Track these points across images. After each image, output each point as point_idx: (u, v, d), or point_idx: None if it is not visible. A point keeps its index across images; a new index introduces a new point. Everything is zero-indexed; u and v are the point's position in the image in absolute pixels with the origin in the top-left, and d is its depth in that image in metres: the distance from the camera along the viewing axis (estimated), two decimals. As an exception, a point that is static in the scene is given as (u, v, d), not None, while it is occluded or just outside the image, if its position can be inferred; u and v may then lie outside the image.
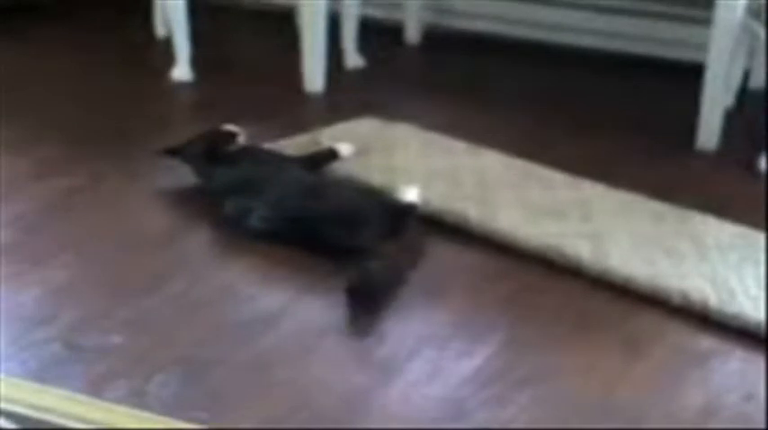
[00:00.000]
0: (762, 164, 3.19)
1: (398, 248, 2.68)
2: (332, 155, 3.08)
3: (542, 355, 2.34)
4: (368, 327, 2.42)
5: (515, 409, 2.13)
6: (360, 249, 2.62)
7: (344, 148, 3.11)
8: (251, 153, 2.99)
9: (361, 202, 2.78)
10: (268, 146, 3.09)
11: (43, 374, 2.18)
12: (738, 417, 2.14)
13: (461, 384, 2.21)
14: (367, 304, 2.46)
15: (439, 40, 4.28)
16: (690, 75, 3.47)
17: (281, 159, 3.01)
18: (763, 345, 2.36)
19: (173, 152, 3.01)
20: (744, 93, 3.69)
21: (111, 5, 4.48)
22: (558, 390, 2.21)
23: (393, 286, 2.55)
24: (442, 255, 2.72)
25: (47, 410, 2.06)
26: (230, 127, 3.04)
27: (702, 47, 3.40)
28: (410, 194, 2.82)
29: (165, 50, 3.93)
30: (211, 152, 2.96)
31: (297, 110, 3.64)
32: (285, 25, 4.20)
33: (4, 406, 2.04)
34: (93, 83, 3.81)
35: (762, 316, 2.40)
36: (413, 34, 4.31)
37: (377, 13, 4.31)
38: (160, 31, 4.27)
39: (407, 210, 2.79)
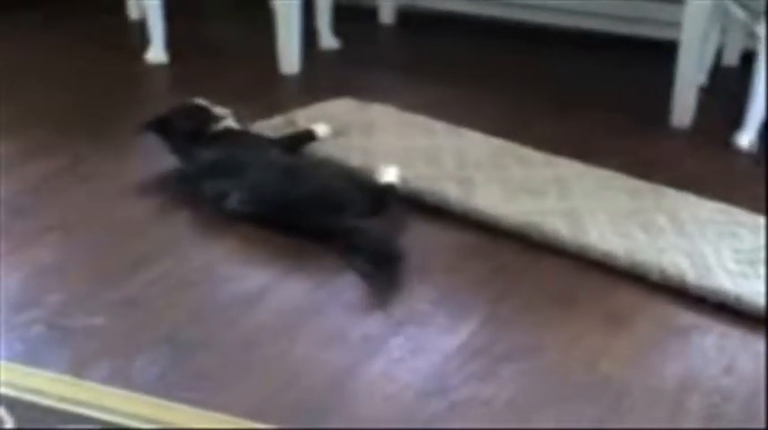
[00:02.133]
0: (739, 140, 3.22)
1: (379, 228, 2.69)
2: (309, 136, 3.09)
3: (524, 331, 2.36)
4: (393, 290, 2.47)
5: (498, 385, 2.15)
6: (340, 230, 2.64)
7: (321, 129, 3.11)
8: (230, 134, 2.99)
9: (339, 184, 2.79)
10: (244, 127, 3.10)
11: (29, 356, 2.18)
12: (718, 390, 2.17)
13: (444, 360, 2.23)
14: (387, 265, 2.51)
15: (413, 21, 4.29)
16: (664, 53, 3.50)
17: (258, 141, 3.01)
18: (741, 319, 2.39)
19: (152, 126, 2.99)
20: (717, 70, 3.72)
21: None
22: (540, 366, 2.23)
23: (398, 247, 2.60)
24: (422, 235, 2.73)
25: (33, 391, 2.06)
26: (218, 109, 3.03)
27: (676, 25, 3.43)
28: (389, 175, 2.83)
29: (140, 33, 3.93)
30: (192, 132, 2.96)
31: (272, 91, 3.64)
32: (259, 7, 4.20)
33: (-9, 388, 2.05)
34: (69, 66, 3.80)
35: (739, 290, 2.43)
36: (387, 14, 4.32)
37: (351, -7, 4.32)
38: (133, 13, 4.26)
39: (387, 190, 2.80)
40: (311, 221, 2.67)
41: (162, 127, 2.98)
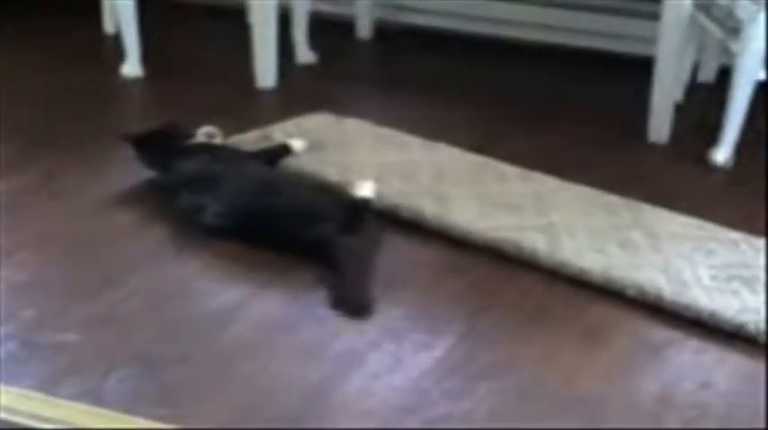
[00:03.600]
0: (714, 156, 3.23)
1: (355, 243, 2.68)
2: (285, 150, 3.08)
3: (501, 347, 2.35)
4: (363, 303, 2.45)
5: (475, 401, 2.14)
6: (315, 244, 2.63)
7: (297, 144, 3.11)
8: (207, 148, 2.98)
9: (315, 198, 2.78)
10: (222, 142, 3.09)
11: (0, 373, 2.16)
12: (696, 405, 2.16)
13: (421, 376, 2.22)
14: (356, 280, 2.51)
15: (390, 36, 4.30)
16: (640, 68, 3.51)
17: (235, 155, 3.00)
18: (717, 334, 2.39)
19: (133, 140, 2.98)
20: (693, 87, 3.74)
21: (60, 2, 4.44)
22: (517, 382, 2.22)
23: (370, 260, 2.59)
24: (398, 250, 2.72)
25: (4, 408, 2.03)
26: (208, 128, 3.03)
27: (652, 41, 3.44)
28: (365, 189, 2.82)
29: (115, 47, 3.91)
30: (168, 146, 2.95)
31: (249, 106, 3.63)
32: (236, 21, 4.19)
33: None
34: (43, 80, 3.78)
35: (714, 305, 2.43)
36: (364, 30, 4.32)
37: (328, 8, 4.32)
38: (109, 27, 4.24)
39: (362, 204, 2.80)
40: (287, 234, 2.66)
41: (139, 141, 2.97)
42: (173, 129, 3.02)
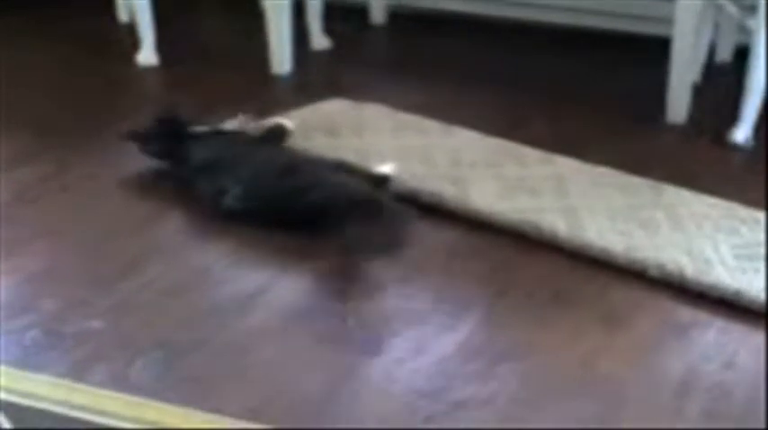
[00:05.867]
0: (734, 136, 3.21)
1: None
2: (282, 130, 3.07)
3: (523, 330, 2.35)
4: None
5: (498, 384, 2.14)
6: (337, 220, 2.62)
7: (288, 123, 3.10)
8: (217, 134, 2.97)
9: (335, 176, 2.77)
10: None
11: (25, 361, 2.16)
12: (718, 386, 2.15)
13: (443, 360, 2.21)
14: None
15: (404, 20, 4.28)
16: (658, 49, 3.49)
17: (248, 138, 2.99)
18: (741, 313, 2.38)
19: (135, 137, 2.98)
20: (710, 66, 3.72)
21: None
22: (539, 364, 2.22)
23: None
24: (418, 234, 2.71)
25: (30, 395, 2.04)
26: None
27: (668, 21, 3.42)
28: (385, 168, 2.81)
29: (130, 36, 3.91)
30: (173, 135, 2.94)
31: (265, 93, 3.62)
32: (250, 8, 4.19)
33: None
34: (58, 70, 3.79)
35: (738, 285, 2.42)
36: (378, 14, 4.30)
37: (341, -7, 4.31)
38: (123, 16, 4.24)
39: (382, 179, 2.78)
40: (307, 211, 2.65)
41: (140, 137, 2.97)
42: (172, 119, 3.00)
